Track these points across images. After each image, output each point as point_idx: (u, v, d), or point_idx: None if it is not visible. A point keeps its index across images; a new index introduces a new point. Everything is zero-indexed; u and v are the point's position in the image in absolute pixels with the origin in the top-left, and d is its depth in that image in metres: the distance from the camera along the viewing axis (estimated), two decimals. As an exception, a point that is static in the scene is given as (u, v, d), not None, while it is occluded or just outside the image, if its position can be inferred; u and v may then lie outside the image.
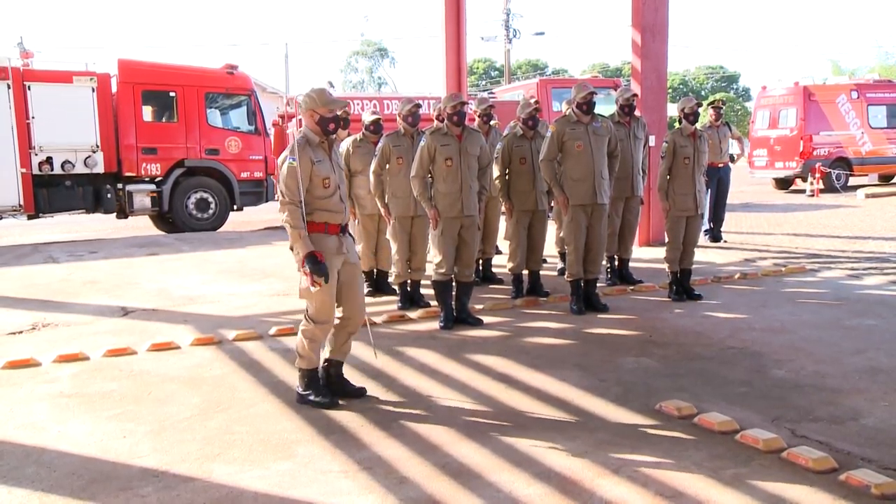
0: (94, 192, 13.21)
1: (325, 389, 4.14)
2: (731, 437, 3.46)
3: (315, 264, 3.84)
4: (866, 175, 19.89)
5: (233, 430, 3.74)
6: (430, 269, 6.26)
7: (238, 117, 14.53)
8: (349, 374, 4.62)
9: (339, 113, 4.23)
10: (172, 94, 13.67)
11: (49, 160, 12.64)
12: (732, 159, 10.52)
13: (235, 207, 14.36)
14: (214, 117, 14.22)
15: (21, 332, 6.05)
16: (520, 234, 6.72)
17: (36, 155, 12.55)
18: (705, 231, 9.83)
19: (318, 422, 3.81)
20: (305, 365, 4.12)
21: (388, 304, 6.58)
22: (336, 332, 4.17)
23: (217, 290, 7.65)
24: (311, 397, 4.08)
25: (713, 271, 7.77)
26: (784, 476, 3.06)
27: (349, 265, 4.11)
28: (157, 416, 3.96)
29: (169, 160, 13.61)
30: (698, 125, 6.62)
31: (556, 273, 7.73)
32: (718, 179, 9.94)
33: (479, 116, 6.94)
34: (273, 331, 5.71)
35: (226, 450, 3.49)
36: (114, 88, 13.36)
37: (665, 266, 6.68)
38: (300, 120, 14.25)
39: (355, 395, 4.19)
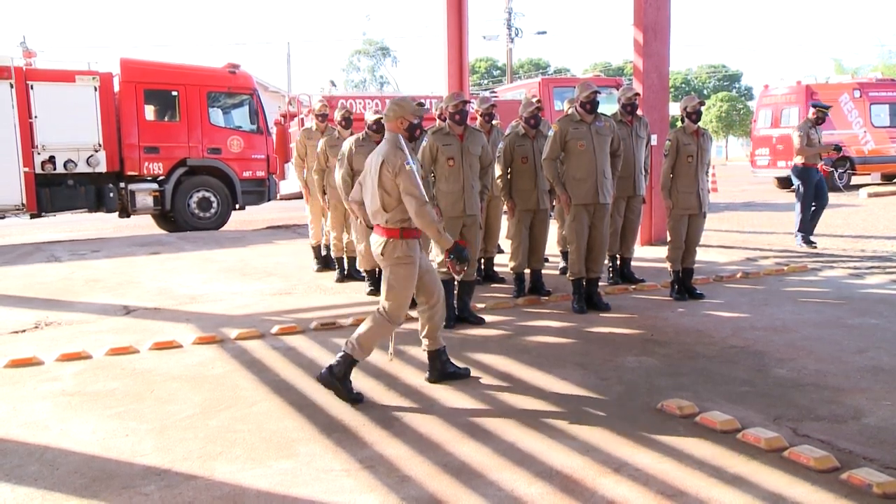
0: (97, 191, 13.24)
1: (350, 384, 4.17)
2: (732, 436, 3.46)
3: (462, 252, 4.14)
4: (869, 174, 19.85)
5: (235, 428, 3.75)
6: (431, 268, 6.25)
7: (240, 116, 14.56)
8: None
9: (418, 120, 4.30)
10: (175, 93, 13.69)
11: (52, 159, 12.67)
12: (838, 149, 9.77)
13: (237, 206, 14.38)
14: (216, 116, 14.24)
15: (24, 330, 6.07)
16: (522, 233, 6.72)
17: (39, 154, 12.59)
18: (803, 238, 9.32)
19: (320, 420, 3.82)
20: (361, 356, 4.16)
21: (389, 303, 6.58)
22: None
23: (219, 288, 7.66)
24: (345, 384, 4.10)
25: (715, 270, 7.77)
26: (785, 475, 3.06)
27: None
28: (159, 415, 3.97)
29: (171, 159, 13.64)
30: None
31: (557, 272, 7.73)
32: (819, 181, 9.47)
33: (481, 116, 6.94)
34: (275, 329, 5.72)
35: (228, 448, 3.50)
36: (116, 88, 13.38)
37: (667, 265, 6.67)
38: (302, 119, 14.31)
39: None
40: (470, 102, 6.44)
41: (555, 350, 5.08)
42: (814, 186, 9.49)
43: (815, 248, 9.18)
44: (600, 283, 6.55)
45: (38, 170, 12.60)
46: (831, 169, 17.92)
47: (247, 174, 14.27)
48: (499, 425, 3.70)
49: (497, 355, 4.92)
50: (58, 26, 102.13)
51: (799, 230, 9.51)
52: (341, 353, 4.15)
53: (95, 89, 12.96)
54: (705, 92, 61.90)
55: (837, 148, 9.75)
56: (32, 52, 13.54)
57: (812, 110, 9.63)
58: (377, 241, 4.18)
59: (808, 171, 9.47)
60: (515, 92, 18.12)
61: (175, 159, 13.66)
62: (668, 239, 6.66)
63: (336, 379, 4.09)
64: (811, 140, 9.37)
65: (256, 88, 14.88)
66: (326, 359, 4.94)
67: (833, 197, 16.62)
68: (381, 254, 4.13)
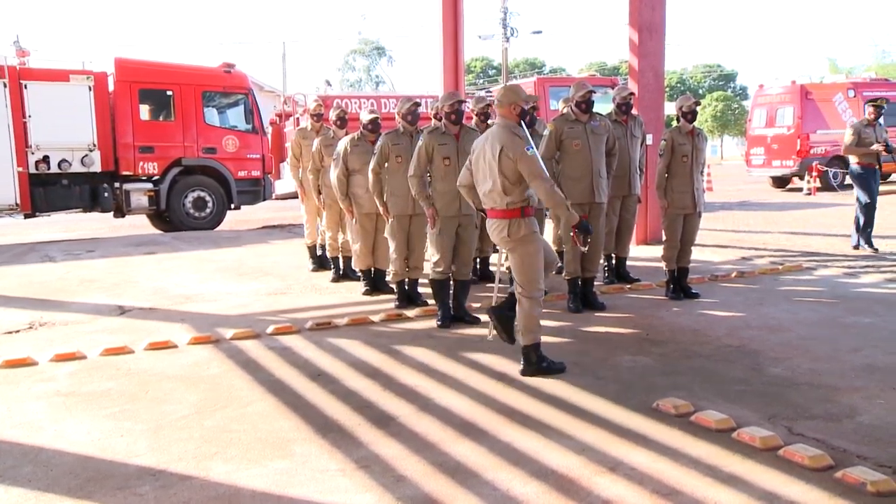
0: (92, 190, 13.20)
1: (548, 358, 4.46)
2: (727, 435, 3.47)
3: (587, 227, 4.37)
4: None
5: (230, 428, 3.74)
6: (427, 268, 6.26)
7: (235, 116, 14.52)
8: (346, 371, 4.63)
9: (529, 106, 4.58)
10: (169, 92, 13.66)
11: (46, 159, 12.62)
12: (890, 149, 8.83)
13: (233, 206, 14.35)
14: (212, 116, 14.21)
15: (18, 330, 6.04)
16: (517, 233, 6.70)
17: (33, 154, 12.54)
18: (856, 244, 8.79)
19: (316, 421, 3.81)
20: (534, 339, 4.44)
21: (385, 303, 6.58)
22: None
23: (214, 288, 7.65)
24: (545, 365, 4.43)
25: (710, 269, 7.78)
26: (780, 474, 3.06)
27: None
28: (154, 415, 3.96)
29: (166, 159, 13.60)
30: None
31: (553, 272, 7.72)
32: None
33: (476, 115, 6.94)
34: (270, 329, 5.70)
35: (223, 448, 3.49)
36: (111, 87, 13.34)
37: (662, 264, 6.68)
38: (297, 119, 14.29)
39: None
40: (465, 102, 6.43)
41: (551, 349, 5.06)
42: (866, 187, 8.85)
43: (877, 251, 8.59)
44: (596, 283, 6.55)
45: (33, 169, 12.54)
46: (825, 168, 18.02)
47: (242, 174, 14.24)
48: (494, 425, 3.70)
49: (492, 354, 4.91)
50: (51, 25, 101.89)
51: (860, 231, 8.84)
52: (522, 347, 4.46)
53: (90, 89, 12.92)
54: (700, 91, 61.91)
55: (889, 149, 8.87)
56: (26, 51, 13.50)
57: (868, 108, 9.07)
58: (498, 224, 4.41)
59: (863, 172, 8.90)
60: (511, 91, 18.06)
61: (170, 159, 13.62)
62: (664, 238, 6.67)
63: (537, 368, 4.41)
64: (863, 140, 8.82)
65: (252, 88, 14.86)
66: (322, 359, 4.96)
67: (829, 197, 16.74)
68: (507, 235, 4.36)
